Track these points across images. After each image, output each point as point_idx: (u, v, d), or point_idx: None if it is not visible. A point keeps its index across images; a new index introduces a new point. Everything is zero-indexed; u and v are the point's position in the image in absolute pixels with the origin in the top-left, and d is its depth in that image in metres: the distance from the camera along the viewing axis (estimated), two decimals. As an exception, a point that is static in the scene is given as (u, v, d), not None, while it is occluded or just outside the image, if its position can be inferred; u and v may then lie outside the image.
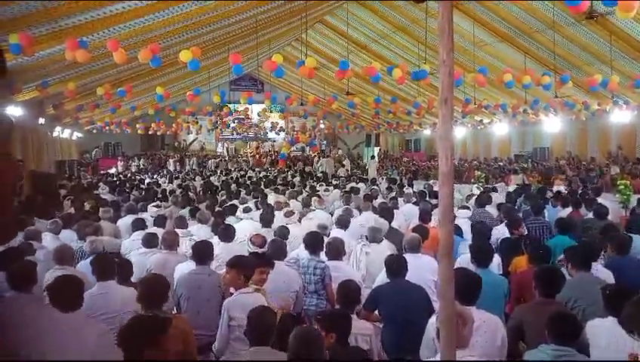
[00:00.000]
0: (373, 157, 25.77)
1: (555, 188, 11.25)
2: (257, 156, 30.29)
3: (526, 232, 6.30)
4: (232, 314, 3.81)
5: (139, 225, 6.85)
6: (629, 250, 5.02)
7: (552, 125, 21.87)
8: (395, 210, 8.09)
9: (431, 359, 2.80)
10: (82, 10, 8.76)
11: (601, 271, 4.55)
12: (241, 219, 7.89)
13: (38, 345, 2.36)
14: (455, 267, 4.08)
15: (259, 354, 3.01)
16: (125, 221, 7.99)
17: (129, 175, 22.61)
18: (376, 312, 4.34)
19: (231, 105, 24.42)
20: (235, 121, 28.17)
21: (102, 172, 24.26)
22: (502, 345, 3.36)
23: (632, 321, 3.07)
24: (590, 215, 7.40)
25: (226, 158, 30.46)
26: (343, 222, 6.70)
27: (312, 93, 22.28)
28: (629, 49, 13.34)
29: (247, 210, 8.33)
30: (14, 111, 12.90)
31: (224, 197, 11.51)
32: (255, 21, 13.73)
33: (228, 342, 3.82)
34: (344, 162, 25.27)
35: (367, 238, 5.83)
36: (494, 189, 11.24)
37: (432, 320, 3.33)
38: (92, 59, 9.69)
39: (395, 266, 4.39)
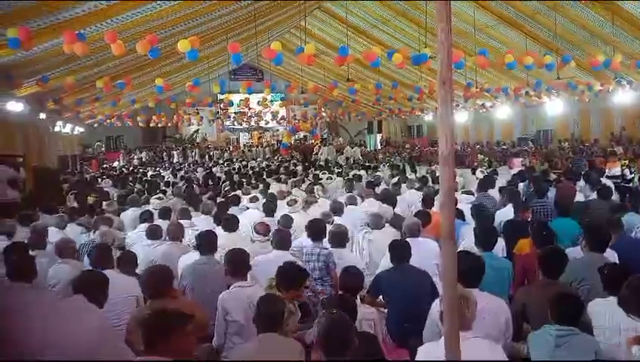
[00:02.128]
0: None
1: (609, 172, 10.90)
2: (260, 146, 30.28)
3: (531, 217, 6.29)
4: (227, 308, 3.79)
5: (146, 217, 6.88)
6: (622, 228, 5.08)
7: (555, 107, 21.74)
8: (398, 196, 8.09)
9: (434, 341, 2.81)
10: (79, 2, 8.71)
11: (607, 253, 4.54)
12: (246, 209, 7.91)
13: (37, 328, 2.38)
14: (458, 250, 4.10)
15: (267, 340, 3.02)
16: (128, 214, 8.02)
17: (131, 168, 22.65)
18: (381, 298, 4.35)
19: (231, 96, 24.34)
20: (236, 112, 28.08)
21: (104, 166, 24.31)
22: (506, 327, 3.37)
23: (629, 303, 3.07)
24: (593, 196, 7.39)
25: (229, 149, 30.46)
26: (337, 209, 6.71)
27: (312, 80, 22.16)
28: (631, 28, 13.20)
29: (253, 200, 8.34)
30: (15, 106, 12.89)
31: (227, 187, 11.53)
32: (253, 9, 13.63)
33: (225, 337, 3.82)
34: (351, 151, 25.22)
35: (368, 225, 5.83)
36: (495, 173, 11.20)
37: (436, 303, 3.34)
38: (91, 52, 9.64)
39: (399, 251, 4.40)
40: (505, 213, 6.55)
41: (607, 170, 11.03)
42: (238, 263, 4.07)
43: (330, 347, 2.56)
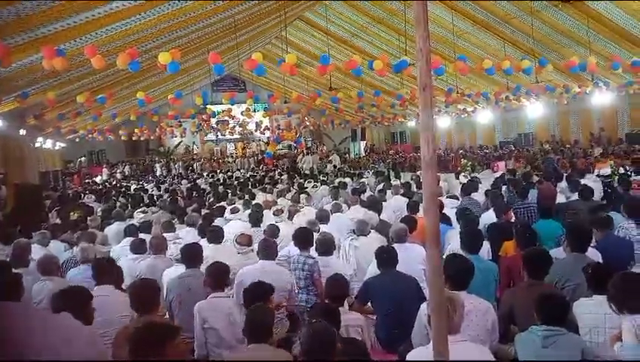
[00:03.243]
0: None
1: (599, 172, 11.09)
2: (244, 156, 30.21)
3: (514, 218, 6.36)
4: (204, 317, 3.84)
5: (131, 231, 6.82)
6: (610, 225, 5.10)
7: (535, 110, 22.04)
8: (383, 203, 8.12)
9: (423, 346, 2.81)
10: (57, 18, 8.64)
11: (590, 252, 4.60)
12: (230, 220, 7.88)
13: (27, 346, 2.33)
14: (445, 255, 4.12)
15: (258, 350, 3.01)
16: (113, 228, 7.94)
17: (114, 182, 22.44)
18: (369, 304, 4.35)
19: (213, 107, 24.28)
20: (218, 123, 28.01)
21: (87, 181, 24.04)
22: (492, 329, 3.39)
23: (616, 300, 3.11)
24: (574, 197, 7.49)
25: (213, 160, 30.33)
26: (323, 217, 6.72)
27: (295, 90, 22.22)
28: (605, 31, 13.49)
29: (234, 211, 8.32)
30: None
31: (212, 199, 11.48)
32: (233, 21, 13.65)
33: (206, 347, 3.83)
34: (331, 158, 25.32)
35: (354, 232, 5.84)
36: (475, 179, 11.32)
37: (423, 307, 3.35)
38: (71, 67, 9.57)
39: (386, 257, 4.41)
40: (489, 216, 6.62)
41: (597, 170, 11.26)
42: (219, 276, 4.12)
43: (312, 356, 2.54)
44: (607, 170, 11.34)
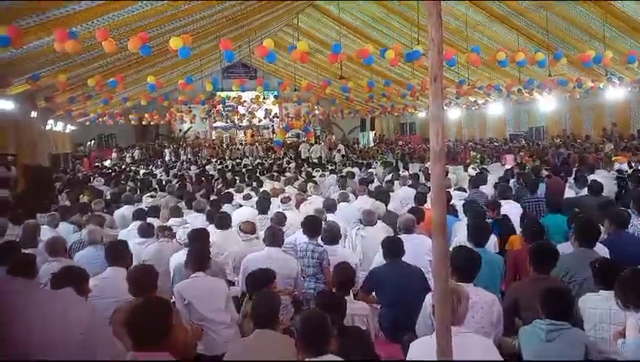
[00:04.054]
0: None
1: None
2: (253, 143, 30.21)
3: (500, 216, 6.27)
4: (185, 296, 3.98)
5: (139, 214, 6.87)
6: (627, 225, 5.05)
7: (547, 104, 21.87)
8: (391, 193, 8.11)
9: (427, 336, 2.82)
10: (70, 2, 8.66)
11: (598, 248, 4.57)
12: (240, 206, 7.90)
13: (29, 320, 2.35)
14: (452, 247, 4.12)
15: (263, 336, 3.04)
16: (121, 212, 8.00)
17: (124, 166, 22.55)
18: (374, 294, 4.36)
19: (223, 93, 24.28)
20: (228, 109, 27.98)
21: (97, 164, 24.18)
22: (497, 321, 3.39)
23: (623, 296, 3.10)
24: (584, 192, 7.43)
25: (222, 146, 30.36)
26: (330, 206, 6.72)
27: (305, 78, 22.16)
28: (621, 25, 13.29)
29: (247, 198, 8.33)
30: (6, 104, 12.79)
31: (220, 185, 11.51)
32: (245, 7, 13.60)
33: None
34: (339, 147, 25.27)
35: (361, 222, 5.85)
36: (486, 170, 11.28)
37: (429, 297, 3.36)
38: (82, 50, 9.59)
39: (392, 247, 4.41)
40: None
41: (617, 165, 11.19)
42: (200, 259, 4.23)
43: (307, 343, 2.55)
44: (624, 166, 11.27)
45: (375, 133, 32.91)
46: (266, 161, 21.79)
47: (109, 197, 10.18)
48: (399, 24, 16.82)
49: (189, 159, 25.61)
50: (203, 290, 4.04)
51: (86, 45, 10.05)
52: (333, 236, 5.15)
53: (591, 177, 8.03)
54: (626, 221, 5.03)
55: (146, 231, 5.86)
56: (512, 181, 9.20)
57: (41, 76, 12.22)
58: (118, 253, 4.43)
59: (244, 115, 28.31)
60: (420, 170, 12.01)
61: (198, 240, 4.77)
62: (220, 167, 18.81)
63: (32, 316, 2.36)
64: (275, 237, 4.90)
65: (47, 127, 19.30)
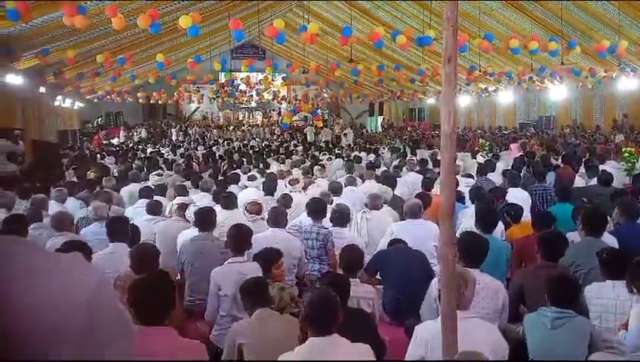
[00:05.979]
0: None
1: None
2: (264, 125, 30.12)
3: (504, 204, 6.22)
4: (218, 283, 3.80)
5: (146, 192, 6.89)
6: (638, 215, 5.00)
7: (558, 93, 21.63)
8: (398, 179, 8.07)
9: (432, 320, 2.82)
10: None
11: (606, 237, 4.54)
12: (245, 187, 7.90)
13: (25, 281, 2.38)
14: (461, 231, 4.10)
15: (264, 314, 3.06)
16: (128, 189, 8.02)
17: (131, 145, 22.59)
18: (378, 276, 4.36)
19: (232, 74, 24.20)
20: (237, 90, 27.86)
21: (104, 142, 24.24)
22: (502, 308, 3.38)
23: (633, 282, 3.09)
24: (593, 182, 7.37)
25: (230, 127, 30.31)
26: (336, 189, 6.70)
27: (314, 60, 22.01)
28: (637, 15, 13.06)
29: (252, 178, 8.32)
30: (15, 79, 12.79)
31: (227, 166, 11.51)
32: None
33: (217, 313, 3.82)
34: (346, 131, 25.18)
35: (367, 206, 5.84)
36: (497, 157, 11.18)
37: (435, 281, 3.35)
38: (91, 26, 9.56)
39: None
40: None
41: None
42: (238, 239, 4.08)
43: (314, 321, 2.55)
44: None
45: (383, 119, 32.74)
46: (272, 143, 21.76)
47: (116, 174, 10.20)
48: (411, 7, 16.61)
49: (197, 139, 25.63)
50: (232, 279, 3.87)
51: (95, 21, 10.01)
52: (342, 218, 5.14)
53: (600, 168, 7.95)
54: (638, 212, 4.99)
55: (154, 209, 5.89)
56: (523, 169, 9.13)
57: (51, 51, 12.20)
58: (117, 227, 4.43)
59: (251, 95, 28.19)
60: (428, 156, 11.93)
61: (207, 221, 4.75)
62: (227, 147, 18.81)
63: (32, 274, 2.37)
64: (278, 218, 4.90)
65: (56, 103, 19.33)
